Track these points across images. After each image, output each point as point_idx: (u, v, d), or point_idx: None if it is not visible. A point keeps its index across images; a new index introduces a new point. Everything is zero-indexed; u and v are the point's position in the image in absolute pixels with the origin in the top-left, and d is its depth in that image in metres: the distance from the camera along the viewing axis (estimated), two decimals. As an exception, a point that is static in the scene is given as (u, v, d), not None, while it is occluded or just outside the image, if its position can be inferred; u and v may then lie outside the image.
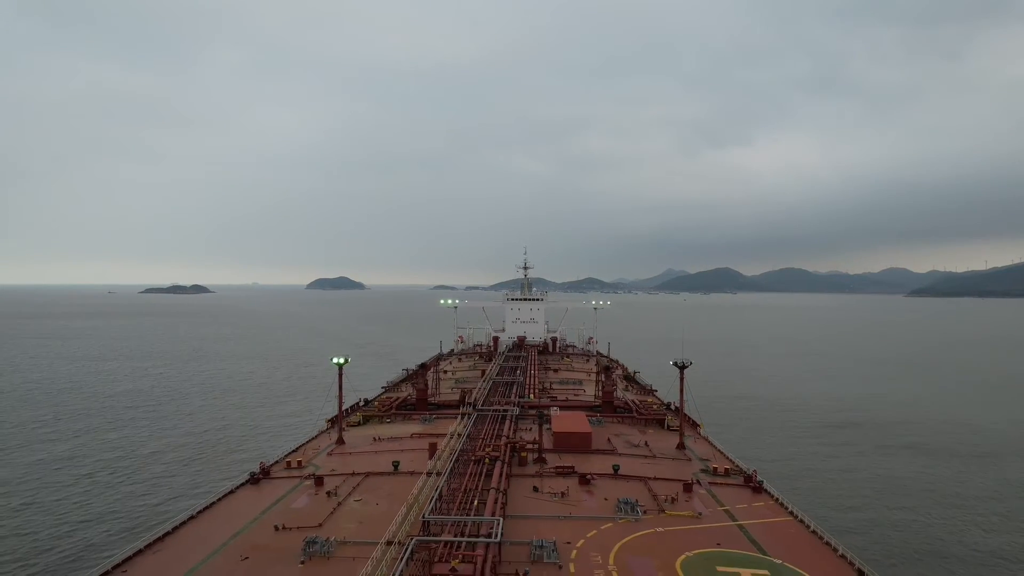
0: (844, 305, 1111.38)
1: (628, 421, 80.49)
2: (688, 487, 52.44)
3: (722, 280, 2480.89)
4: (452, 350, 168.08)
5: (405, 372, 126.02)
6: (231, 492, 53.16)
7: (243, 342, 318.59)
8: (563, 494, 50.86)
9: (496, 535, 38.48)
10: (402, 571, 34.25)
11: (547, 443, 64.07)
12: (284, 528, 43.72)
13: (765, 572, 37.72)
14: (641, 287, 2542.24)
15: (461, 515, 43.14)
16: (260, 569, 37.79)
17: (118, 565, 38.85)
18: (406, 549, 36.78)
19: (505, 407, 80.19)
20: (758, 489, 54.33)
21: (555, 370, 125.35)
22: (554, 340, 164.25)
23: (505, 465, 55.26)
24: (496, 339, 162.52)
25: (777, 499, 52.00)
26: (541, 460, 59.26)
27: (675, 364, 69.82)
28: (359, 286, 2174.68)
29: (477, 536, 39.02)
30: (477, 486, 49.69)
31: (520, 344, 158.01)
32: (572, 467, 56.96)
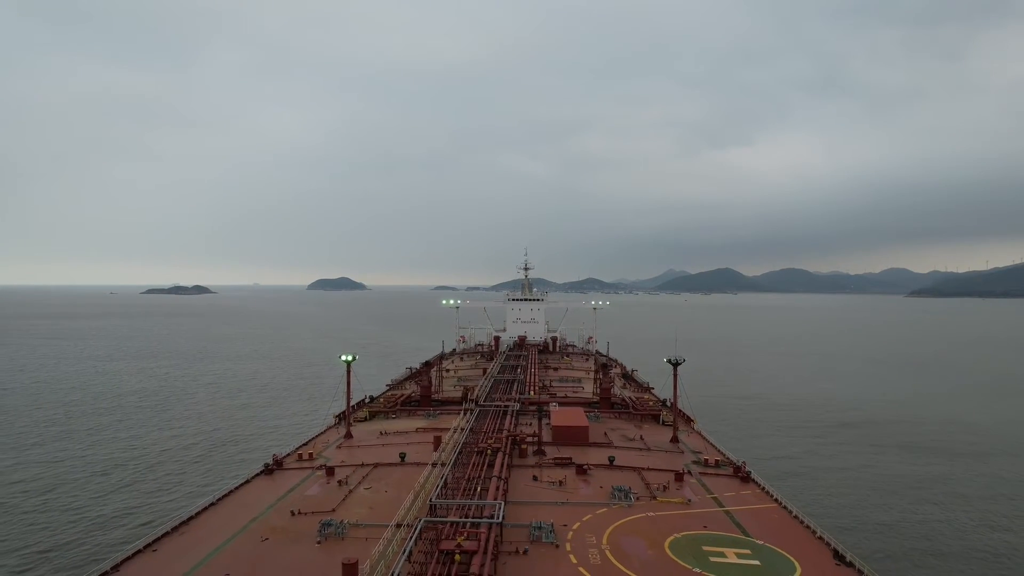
0: (845, 305, 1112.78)
1: (624, 417, 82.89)
2: (679, 476, 55.10)
3: (723, 280, 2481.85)
4: (454, 349, 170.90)
5: (409, 370, 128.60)
6: (247, 482, 55.86)
7: (247, 342, 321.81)
8: (561, 483, 53.68)
9: (498, 517, 41.52)
10: (412, 548, 37.30)
11: (546, 436, 67.00)
12: (300, 513, 46.59)
13: (747, 551, 40.71)
14: (642, 287, 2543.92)
15: (466, 499, 46.17)
16: (281, 548, 40.82)
17: (148, 546, 41.78)
18: (415, 529, 39.89)
19: (506, 403, 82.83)
20: (746, 479, 56.97)
21: (555, 369, 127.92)
22: (554, 340, 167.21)
23: (506, 456, 57.93)
24: (497, 339, 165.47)
25: (763, 488, 54.73)
26: (540, 452, 61.96)
27: (669, 361, 72.61)
28: (360, 287, 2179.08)
29: (480, 517, 42.09)
30: (480, 475, 52.58)
31: (521, 344, 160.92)
32: (570, 458, 59.54)
